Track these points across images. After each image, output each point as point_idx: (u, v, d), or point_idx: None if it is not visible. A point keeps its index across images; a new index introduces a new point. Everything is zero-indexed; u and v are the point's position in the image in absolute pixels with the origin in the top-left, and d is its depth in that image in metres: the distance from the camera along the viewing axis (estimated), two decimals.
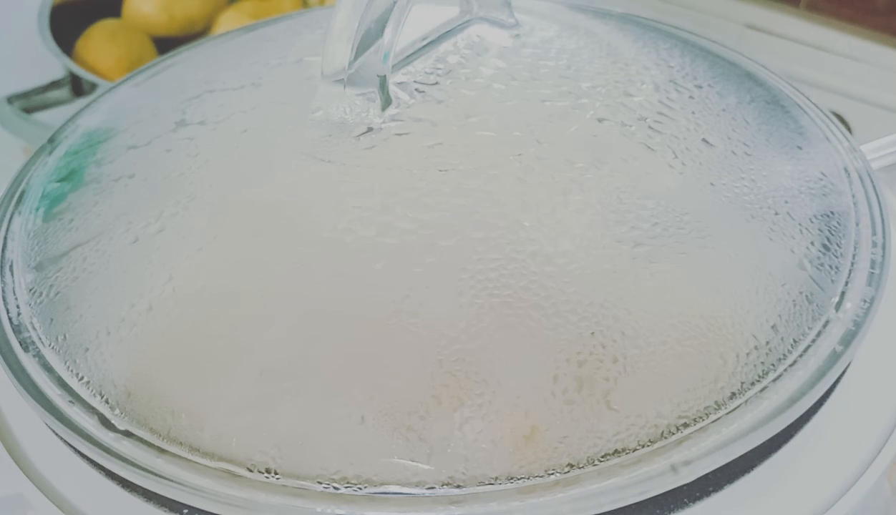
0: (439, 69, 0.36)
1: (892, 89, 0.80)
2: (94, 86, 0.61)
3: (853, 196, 0.32)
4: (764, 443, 0.25)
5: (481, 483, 0.26)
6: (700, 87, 0.36)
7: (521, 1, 0.40)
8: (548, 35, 0.39)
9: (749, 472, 0.25)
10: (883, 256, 0.30)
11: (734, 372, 0.26)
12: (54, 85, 0.62)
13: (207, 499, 0.25)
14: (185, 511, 0.24)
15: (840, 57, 0.83)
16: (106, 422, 0.27)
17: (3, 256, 0.32)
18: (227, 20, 0.74)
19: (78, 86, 0.62)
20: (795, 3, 0.89)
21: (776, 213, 0.31)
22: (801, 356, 0.27)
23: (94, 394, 0.28)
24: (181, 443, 0.28)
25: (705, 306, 0.33)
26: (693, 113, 0.34)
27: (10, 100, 0.60)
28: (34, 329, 0.30)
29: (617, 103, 0.34)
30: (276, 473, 0.28)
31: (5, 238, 0.33)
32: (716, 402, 0.25)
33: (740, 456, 0.25)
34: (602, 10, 0.43)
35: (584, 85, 0.35)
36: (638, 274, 0.30)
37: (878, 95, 0.81)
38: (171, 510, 0.24)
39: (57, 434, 0.27)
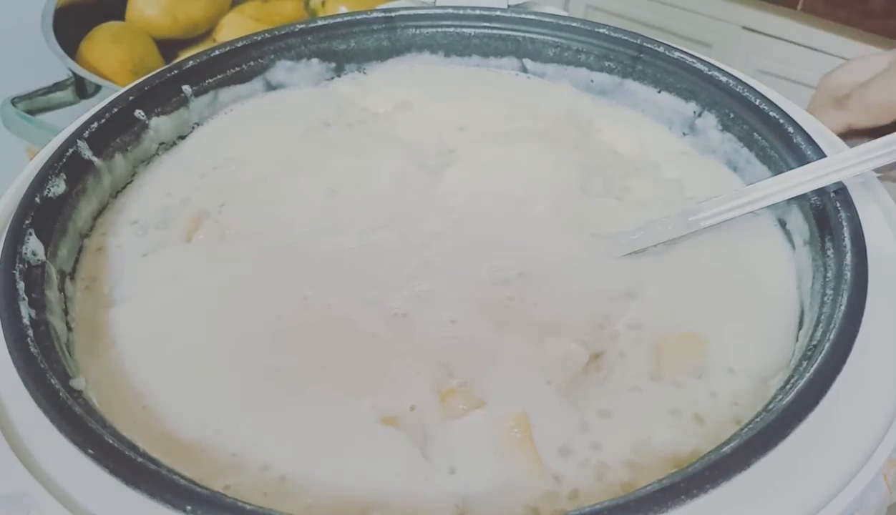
0: None
1: None
2: (97, 88, 0.62)
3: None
4: (760, 441, 0.25)
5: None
6: None
7: None
8: None
9: (746, 469, 0.25)
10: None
11: None
12: (58, 86, 0.62)
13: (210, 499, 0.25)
14: (189, 507, 0.24)
15: (836, 58, 0.84)
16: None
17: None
18: (230, 23, 0.74)
19: (82, 88, 0.63)
20: (792, 5, 0.89)
21: None
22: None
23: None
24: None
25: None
26: None
27: (14, 101, 0.60)
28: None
29: None
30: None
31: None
32: None
33: (737, 454, 0.25)
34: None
35: None
36: None
37: None
38: (174, 507, 0.24)
39: (62, 433, 0.27)
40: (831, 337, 0.29)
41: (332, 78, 0.48)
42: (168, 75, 0.43)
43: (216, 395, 0.31)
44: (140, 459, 0.26)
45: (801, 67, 0.87)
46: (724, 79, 0.41)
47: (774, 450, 0.26)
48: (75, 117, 0.40)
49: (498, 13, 0.47)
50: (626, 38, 0.45)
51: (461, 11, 0.47)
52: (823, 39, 0.86)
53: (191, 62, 0.44)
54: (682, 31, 0.96)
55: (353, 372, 0.32)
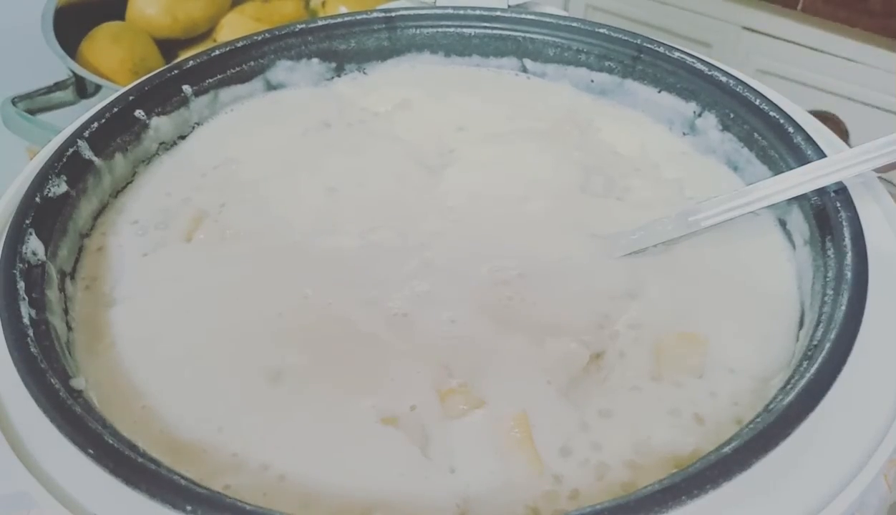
0: None
1: (887, 90, 0.80)
2: (98, 88, 0.62)
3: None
4: (761, 442, 0.25)
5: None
6: None
7: None
8: None
9: (746, 470, 0.25)
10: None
11: None
12: (58, 86, 0.63)
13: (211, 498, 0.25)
14: (189, 507, 0.24)
15: (836, 58, 0.84)
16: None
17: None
18: (230, 23, 0.75)
19: (82, 88, 0.63)
20: (792, 5, 0.89)
21: None
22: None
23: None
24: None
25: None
26: None
27: (14, 101, 0.60)
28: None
29: None
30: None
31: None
32: None
33: (737, 454, 0.25)
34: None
35: None
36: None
37: (873, 96, 0.81)
38: (174, 507, 0.24)
39: (62, 433, 0.27)
40: (832, 337, 0.29)
41: (333, 78, 0.48)
42: (168, 75, 0.43)
43: (216, 395, 0.31)
44: (140, 459, 0.26)
45: (801, 67, 0.87)
46: (724, 79, 0.41)
47: (775, 450, 0.26)
48: (75, 117, 0.40)
49: (498, 13, 0.47)
50: (626, 38, 0.45)
51: (461, 11, 0.47)
52: (823, 39, 0.86)
53: (191, 62, 0.44)
54: (683, 31, 0.96)
55: (354, 372, 0.32)
